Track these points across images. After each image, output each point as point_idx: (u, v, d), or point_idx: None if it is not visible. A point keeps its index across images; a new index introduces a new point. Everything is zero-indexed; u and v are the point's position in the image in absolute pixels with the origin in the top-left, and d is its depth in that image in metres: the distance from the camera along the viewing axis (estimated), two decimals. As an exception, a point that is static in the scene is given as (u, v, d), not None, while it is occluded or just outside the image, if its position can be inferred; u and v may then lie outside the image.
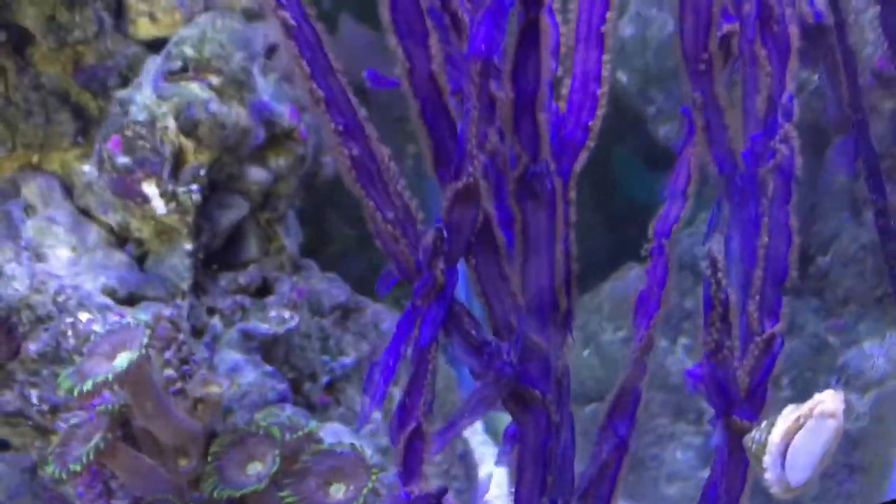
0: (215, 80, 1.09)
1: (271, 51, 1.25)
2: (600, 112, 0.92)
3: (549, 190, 0.91)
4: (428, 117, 0.86)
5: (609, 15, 0.89)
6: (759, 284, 0.85)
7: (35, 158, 1.14)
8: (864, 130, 1.12)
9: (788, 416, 0.71)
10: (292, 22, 0.79)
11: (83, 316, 1.07)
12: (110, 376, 0.90)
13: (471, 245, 0.91)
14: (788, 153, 0.85)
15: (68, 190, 1.16)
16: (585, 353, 1.63)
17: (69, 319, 1.06)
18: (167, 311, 1.07)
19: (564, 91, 0.93)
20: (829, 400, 0.70)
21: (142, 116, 1.06)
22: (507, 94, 0.87)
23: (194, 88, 1.07)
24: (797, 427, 0.70)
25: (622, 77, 1.74)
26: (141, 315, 1.07)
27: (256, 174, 1.18)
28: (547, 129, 0.89)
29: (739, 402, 0.82)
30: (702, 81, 0.92)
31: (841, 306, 1.47)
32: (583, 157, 0.94)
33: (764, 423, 0.73)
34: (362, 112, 0.85)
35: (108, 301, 1.09)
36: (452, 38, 0.89)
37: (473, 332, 0.95)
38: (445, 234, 0.87)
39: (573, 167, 0.93)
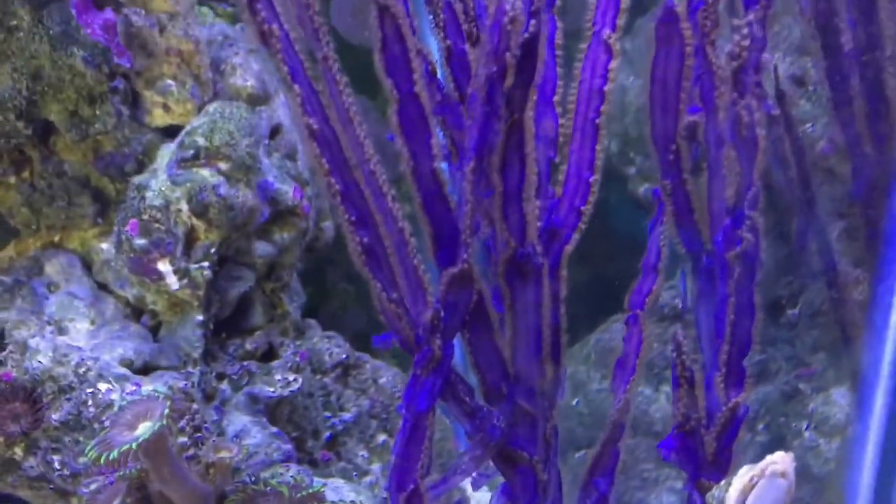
0: (224, 165, 1.17)
1: (275, 132, 1.34)
2: (592, 198, 1.01)
3: (535, 270, 1.00)
4: (428, 208, 0.96)
5: (603, 108, 0.99)
6: (724, 357, 0.94)
7: (57, 238, 1.23)
8: (813, 209, 1.22)
9: (744, 475, 0.79)
10: (315, 126, 0.88)
11: (102, 386, 1.14)
12: (134, 445, 0.98)
13: (465, 321, 1.00)
14: (754, 240, 0.94)
15: (88, 266, 1.24)
16: (574, 401, 1.70)
17: (89, 390, 1.14)
18: (181, 383, 1.15)
19: (561, 177, 1.03)
20: (780, 461, 0.78)
21: (157, 201, 1.14)
22: (496, 186, 0.97)
23: (205, 174, 1.16)
24: (751, 486, 0.78)
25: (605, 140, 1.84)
26: (156, 385, 1.15)
27: (262, 248, 1.26)
28: (534, 216, 0.98)
29: (707, 466, 0.90)
30: (671, 169, 1.01)
31: (811, 354, 1.56)
32: (574, 238, 1.03)
33: (723, 482, 0.81)
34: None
35: (125, 371, 1.17)
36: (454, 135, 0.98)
37: (467, 399, 1.04)
38: (442, 313, 0.96)
39: (565, 248, 1.02)
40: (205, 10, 1.43)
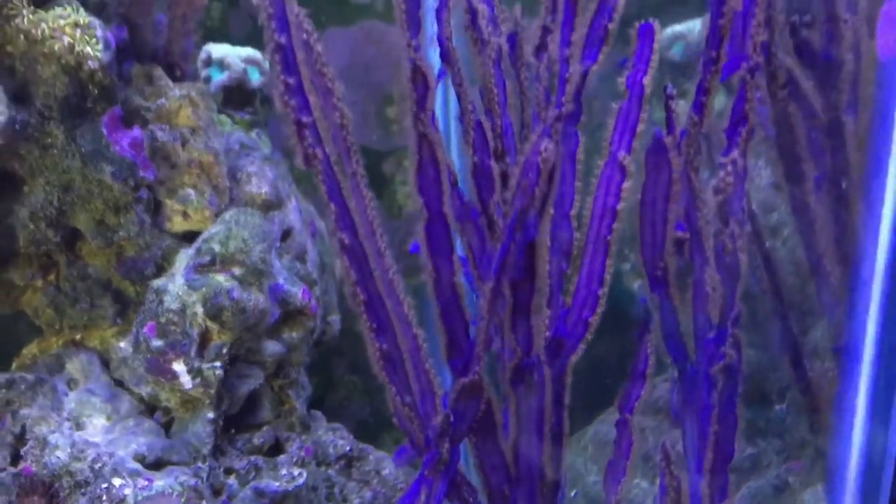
0: (238, 271, 1.25)
1: (286, 234, 1.42)
2: (599, 310, 1.08)
3: (539, 379, 1.07)
4: (446, 317, 1.03)
5: (615, 226, 1.07)
6: (709, 465, 0.99)
7: (78, 336, 1.29)
8: (786, 320, 1.28)
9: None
10: (346, 241, 0.96)
11: (116, 481, 1.19)
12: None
13: (473, 427, 1.06)
14: (736, 356, 1.00)
15: (106, 363, 1.30)
16: (573, 493, 1.74)
17: (104, 485, 1.18)
18: (191, 480, 1.20)
19: (571, 287, 1.10)
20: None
21: (174, 305, 1.21)
22: (507, 299, 1.04)
23: (220, 279, 1.23)
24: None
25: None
26: (167, 480, 1.20)
27: (272, 347, 1.33)
28: (541, 328, 1.05)
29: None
30: (658, 284, 1.08)
31: (799, 449, 1.60)
32: (580, 348, 1.09)
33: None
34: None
35: (138, 466, 1.22)
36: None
37: (471, 500, 1.09)
38: (452, 418, 1.02)
39: (571, 357, 1.09)
40: (223, 118, 1.52)
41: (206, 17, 1.71)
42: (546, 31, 1.06)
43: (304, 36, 1.00)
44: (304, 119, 0.93)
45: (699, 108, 1.06)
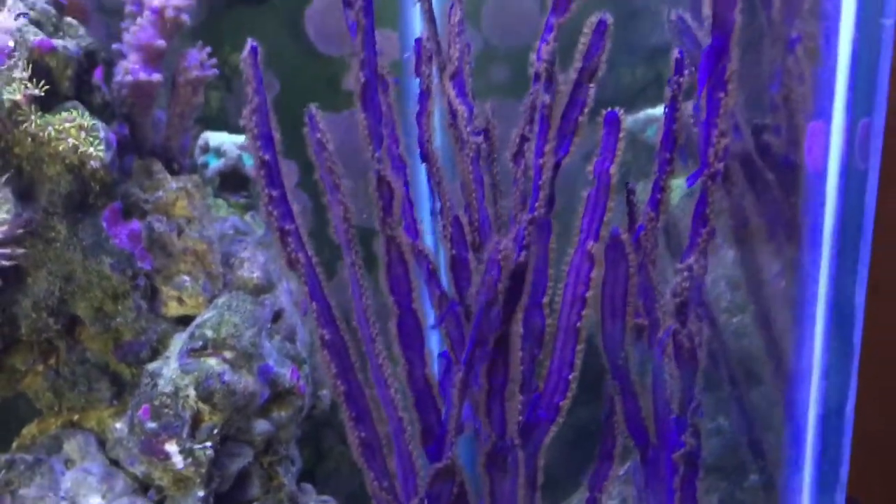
0: (229, 355, 1.32)
1: (276, 316, 1.49)
2: (570, 394, 1.14)
3: (512, 463, 1.12)
4: (419, 406, 1.10)
5: (585, 312, 1.13)
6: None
7: (76, 417, 1.36)
8: (741, 403, 1.34)
9: None
10: (327, 337, 1.03)
11: (110, 559, 1.25)
12: None
13: None
14: (696, 444, 1.06)
15: (102, 443, 1.36)
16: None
17: (98, 563, 1.24)
18: (183, 558, 1.25)
19: (543, 371, 1.16)
20: None
21: (168, 388, 1.28)
22: (483, 385, 1.11)
23: (212, 363, 1.30)
24: None
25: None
26: (159, 558, 1.25)
27: (261, 426, 1.39)
28: (515, 412, 1.11)
29: None
30: (619, 372, 1.15)
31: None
32: (552, 430, 1.15)
33: None
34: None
35: (131, 544, 1.27)
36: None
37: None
38: (426, 502, 1.08)
39: (543, 440, 1.15)
40: (219, 202, 1.61)
41: (204, 105, 1.81)
42: (524, 139, 1.14)
43: (318, 135, 1.09)
44: (287, 227, 1.01)
45: (655, 205, 1.13)
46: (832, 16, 1.02)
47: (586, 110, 1.16)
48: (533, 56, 1.11)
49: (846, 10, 0.99)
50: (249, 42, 1.03)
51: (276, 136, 1.03)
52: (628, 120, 2.06)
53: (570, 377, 1.14)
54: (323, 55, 1.91)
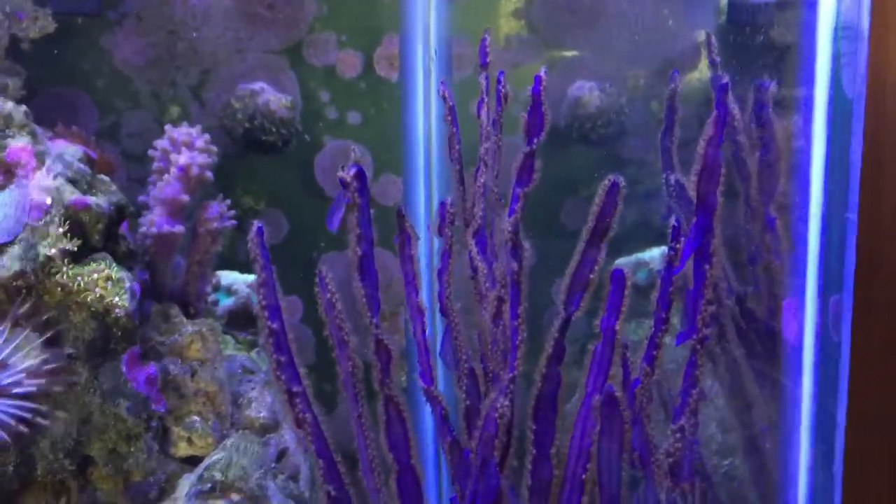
0: (237, 497, 1.36)
1: (281, 455, 1.54)
2: None
3: None
4: None
5: (590, 466, 1.18)
6: None
7: (81, 558, 1.38)
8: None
9: None
10: (334, 494, 1.08)
11: None
12: None
13: None
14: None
15: (105, 584, 1.38)
16: None
17: None
18: None
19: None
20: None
21: (176, 530, 1.31)
22: None
23: (220, 505, 1.34)
24: None
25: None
26: None
27: (263, 568, 1.41)
28: None
29: None
30: None
31: None
32: None
33: None
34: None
35: None
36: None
37: None
38: None
39: None
40: (227, 338, 1.67)
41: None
42: (501, 301, 1.21)
43: (328, 295, 1.17)
44: (295, 389, 1.08)
45: (651, 360, 1.21)
46: (802, 206, 1.12)
47: (597, 268, 1.23)
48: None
49: (814, 203, 1.09)
50: (256, 224, 1.12)
51: (280, 294, 1.11)
52: (619, 261, 2.18)
53: None
54: (330, 197, 2.02)
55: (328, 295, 1.18)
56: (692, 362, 1.13)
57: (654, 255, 2.07)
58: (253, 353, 1.68)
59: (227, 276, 1.76)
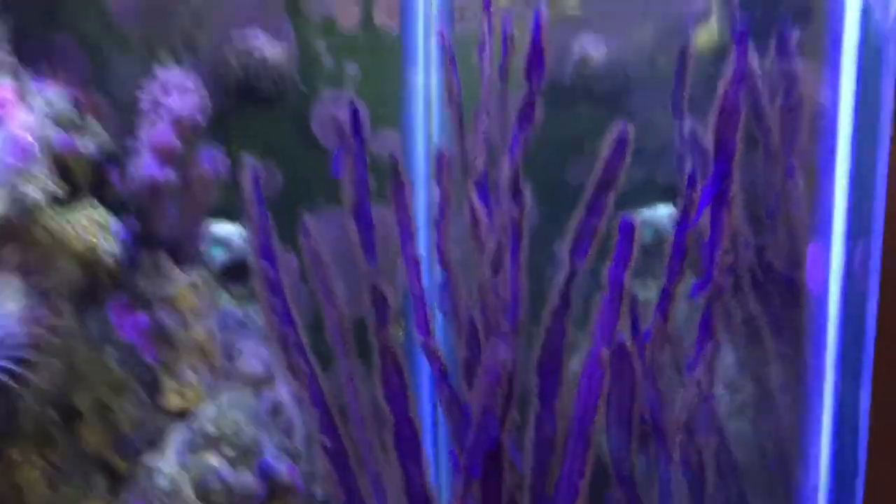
0: (229, 451, 1.31)
1: (276, 410, 1.49)
2: (581, 501, 1.13)
3: None
4: None
5: (597, 419, 1.12)
6: None
7: (68, 512, 1.34)
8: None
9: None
10: (330, 445, 1.03)
11: None
12: None
13: None
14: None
15: (93, 539, 1.34)
16: None
17: None
18: None
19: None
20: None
21: (165, 485, 1.27)
22: (486, 494, 1.10)
23: (211, 460, 1.29)
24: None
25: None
26: None
27: (256, 525, 1.37)
28: None
29: None
30: (625, 482, 1.15)
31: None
32: None
33: None
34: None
35: None
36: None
37: None
38: None
39: None
40: (221, 291, 1.62)
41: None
42: (501, 249, 1.16)
43: (312, 244, 1.12)
44: (289, 334, 1.02)
45: (663, 312, 1.16)
46: (830, 137, 1.07)
47: (605, 218, 1.17)
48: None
49: (843, 132, 1.04)
50: (249, 163, 1.06)
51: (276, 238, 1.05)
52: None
53: (581, 483, 1.13)
54: (327, 149, 1.96)
55: (311, 243, 1.12)
56: (708, 313, 1.08)
57: (661, 213, 2.01)
58: (249, 308, 1.63)
59: (222, 228, 1.70)
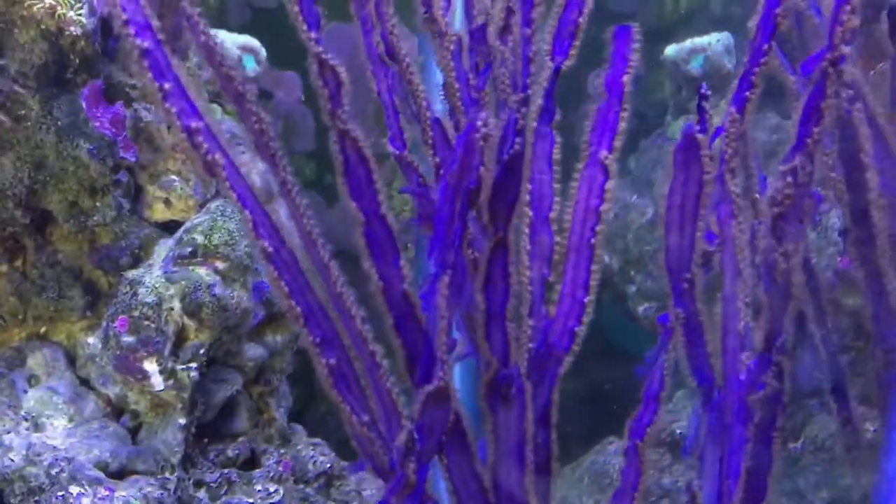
0: (221, 265, 1.15)
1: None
2: (586, 319, 0.98)
3: (518, 394, 0.96)
4: (401, 329, 0.92)
5: (599, 228, 0.97)
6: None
7: (43, 329, 1.19)
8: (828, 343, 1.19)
9: None
10: (270, 249, 0.86)
11: (74, 490, 1.08)
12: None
13: (442, 444, 0.95)
14: (778, 387, 0.90)
15: (71, 360, 1.19)
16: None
17: (60, 493, 1.07)
18: (157, 491, 1.09)
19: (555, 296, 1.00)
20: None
21: (150, 298, 1.11)
22: (479, 305, 0.94)
23: (201, 273, 1.13)
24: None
25: (605, 257, 1.83)
26: (130, 491, 1.09)
27: (253, 351, 1.22)
28: (518, 337, 0.95)
29: None
30: (684, 298, 0.98)
31: (814, 492, 1.50)
32: (567, 360, 0.99)
33: None
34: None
35: (100, 474, 1.11)
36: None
37: (444, 530, 0.98)
38: (417, 435, 0.90)
39: (558, 371, 0.99)
40: (214, 106, 1.43)
41: (203, 4, 1.63)
42: (510, 11, 0.95)
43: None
44: (194, 124, 0.81)
45: (741, 102, 0.96)
46: None
47: (585, 10, 0.98)
48: None
49: None
50: None
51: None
52: (670, 49, 1.91)
53: (586, 300, 0.97)
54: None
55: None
56: (817, 90, 0.87)
57: (712, 40, 1.79)
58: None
59: (216, 37, 1.50)
